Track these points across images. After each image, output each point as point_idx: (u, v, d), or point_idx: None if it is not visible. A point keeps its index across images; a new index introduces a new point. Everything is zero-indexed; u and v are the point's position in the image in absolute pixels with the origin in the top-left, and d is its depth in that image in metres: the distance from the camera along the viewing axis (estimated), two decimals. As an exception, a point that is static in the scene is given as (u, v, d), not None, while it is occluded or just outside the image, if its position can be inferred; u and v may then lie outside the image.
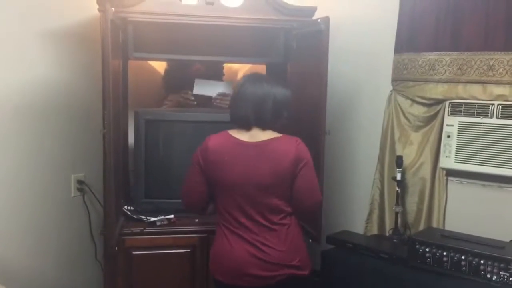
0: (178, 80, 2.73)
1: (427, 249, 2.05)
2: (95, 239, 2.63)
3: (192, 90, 2.62)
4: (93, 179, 2.57)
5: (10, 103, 2.26)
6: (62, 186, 2.52)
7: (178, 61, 2.72)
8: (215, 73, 2.82)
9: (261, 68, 2.80)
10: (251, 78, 1.94)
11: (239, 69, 2.98)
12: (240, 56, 2.57)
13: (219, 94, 2.60)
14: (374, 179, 2.58)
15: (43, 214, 2.43)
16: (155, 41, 2.42)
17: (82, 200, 2.60)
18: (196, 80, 2.56)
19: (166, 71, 2.82)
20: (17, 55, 2.27)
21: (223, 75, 2.86)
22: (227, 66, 2.89)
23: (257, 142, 1.85)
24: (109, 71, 1.91)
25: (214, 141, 1.89)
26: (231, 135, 1.89)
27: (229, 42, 2.49)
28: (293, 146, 1.85)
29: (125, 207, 2.40)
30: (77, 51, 2.48)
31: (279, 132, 1.92)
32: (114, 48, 2.03)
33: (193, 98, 2.57)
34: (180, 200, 2.38)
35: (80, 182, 2.58)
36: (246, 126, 1.88)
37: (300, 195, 1.87)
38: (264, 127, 1.88)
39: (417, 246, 2.08)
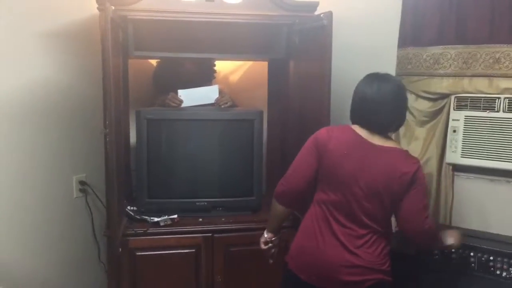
0: (168, 80, 2.64)
1: (435, 246, 2.02)
2: (98, 240, 2.60)
3: (181, 90, 2.54)
4: (95, 179, 2.55)
5: (10, 104, 2.23)
6: (64, 188, 2.49)
7: (168, 60, 2.64)
8: (206, 73, 2.74)
9: (263, 66, 2.78)
10: (376, 77, 1.80)
11: (236, 69, 2.93)
12: (242, 53, 2.54)
13: (217, 99, 2.54)
14: (379, 175, 2.55)
15: (45, 216, 2.40)
16: (155, 39, 2.38)
17: (85, 201, 2.57)
18: (180, 92, 2.47)
19: (155, 71, 2.74)
20: (16, 56, 2.24)
21: (215, 72, 2.80)
22: (219, 66, 2.80)
23: (380, 145, 1.77)
24: (109, 71, 1.88)
25: (337, 133, 1.81)
26: (355, 131, 1.80)
27: (230, 40, 2.45)
28: (415, 166, 1.74)
29: (128, 207, 2.38)
30: (77, 51, 2.45)
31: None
32: (114, 47, 2.00)
33: (178, 102, 2.47)
34: (182, 200, 2.40)
35: (82, 183, 2.56)
36: (375, 130, 1.79)
37: (403, 217, 1.77)
38: (390, 132, 1.84)
39: (424, 243, 2.05)
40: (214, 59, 2.75)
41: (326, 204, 1.80)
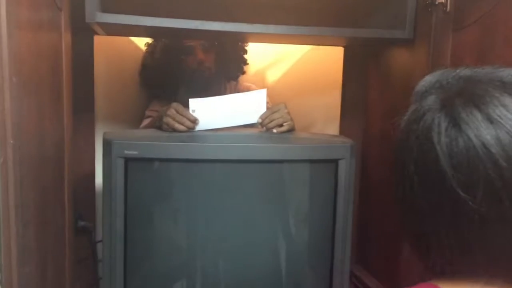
0: (167, 78, 1.55)
1: None
2: None
3: (188, 97, 1.32)
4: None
5: None
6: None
7: (164, 43, 1.55)
8: (230, 66, 1.61)
9: (337, 53, 1.58)
10: (496, 94, 0.50)
11: (280, 59, 1.73)
12: (307, 25, 1.32)
13: (264, 117, 1.31)
14: None
15: None
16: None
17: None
18: (193, 103, 1.29)
19: (144, 60, 1.62)
20: None
21: (245, 63, 1.64)
22: (250, 54, 1.64)
23: None
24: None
25: None
26: None
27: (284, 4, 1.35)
28: None
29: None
30: None
31: None
32: (34, 3, 0.82)
33: (190, 122, 1.27)
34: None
35: None
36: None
37: None
38: None
39: None
40: (245, 40, 1.62)
41: None
